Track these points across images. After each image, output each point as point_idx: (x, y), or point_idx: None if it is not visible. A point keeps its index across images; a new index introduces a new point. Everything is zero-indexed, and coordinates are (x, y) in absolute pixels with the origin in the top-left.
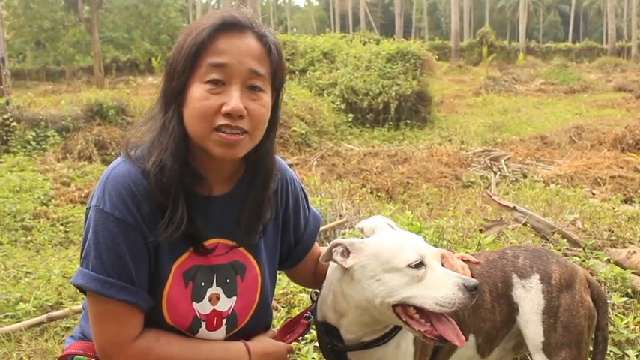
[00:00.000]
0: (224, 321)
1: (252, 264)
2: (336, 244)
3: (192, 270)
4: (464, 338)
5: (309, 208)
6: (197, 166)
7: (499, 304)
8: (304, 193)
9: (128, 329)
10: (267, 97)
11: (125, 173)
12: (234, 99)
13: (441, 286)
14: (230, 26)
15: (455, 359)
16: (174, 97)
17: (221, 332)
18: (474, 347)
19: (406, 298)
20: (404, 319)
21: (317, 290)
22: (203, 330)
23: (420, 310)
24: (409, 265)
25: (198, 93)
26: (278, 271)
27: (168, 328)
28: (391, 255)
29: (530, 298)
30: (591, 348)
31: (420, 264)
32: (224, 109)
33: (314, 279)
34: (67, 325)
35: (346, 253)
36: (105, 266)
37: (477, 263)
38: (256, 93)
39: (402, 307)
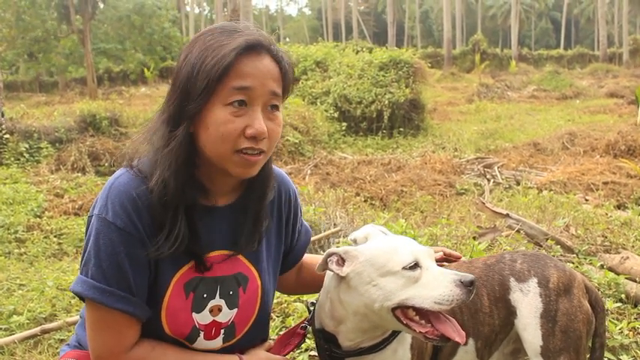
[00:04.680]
0: (222, 331)
1: (254, 275)
2: (331, 254)
3: (193, 281)
4: (464, 334)
5: (301, 221)
6: (203, 179)
7: (497, 308)
8: (300, 207)
9: (124, 339)
10: (281, 116)
11: (129, 183)
12: (258, 122)
13: (438, 285)
14: (252, 48)
15: None
16: (189, 117)
17: (218, 342)
18: (474, 352)
19: (404, 300)
20: (404, 322)
21: (313, 301)
22: (201, 339)
23: (419, 311)
24: (404, 268)
25: (221, 116)
26: None
27: (166, 338)
28: (386, 259)
29: (528, 302)
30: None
31: (415, 265)
32: (249, 131)
33: (296, 287)
34: (61, 338)
35: (341, 261)
36: (104, 275)
37: (459, 258)
38: (274, 113)
39: (401, 310)
